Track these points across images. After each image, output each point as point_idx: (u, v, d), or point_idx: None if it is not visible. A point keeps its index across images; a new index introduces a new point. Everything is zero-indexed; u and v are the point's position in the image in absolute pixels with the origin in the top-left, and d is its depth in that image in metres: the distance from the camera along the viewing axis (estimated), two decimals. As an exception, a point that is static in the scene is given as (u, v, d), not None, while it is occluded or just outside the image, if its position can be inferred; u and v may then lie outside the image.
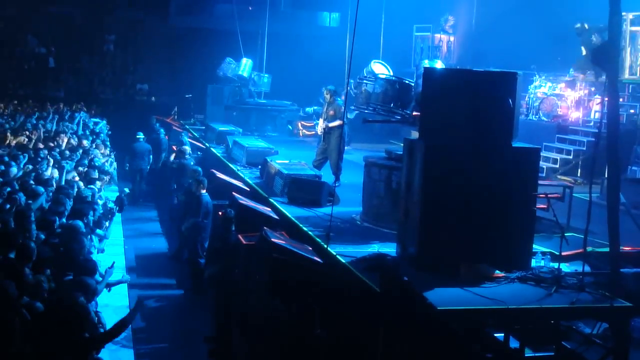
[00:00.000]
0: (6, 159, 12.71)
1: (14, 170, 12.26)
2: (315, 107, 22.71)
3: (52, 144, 15.32)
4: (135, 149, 21.56)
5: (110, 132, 22.90)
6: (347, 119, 14.70)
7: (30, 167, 12.48)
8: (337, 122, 14.52)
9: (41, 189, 10.85)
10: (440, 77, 9.48)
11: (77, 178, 12.79)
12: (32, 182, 11.45)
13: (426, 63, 12.53)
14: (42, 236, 8.72)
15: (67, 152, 14.96)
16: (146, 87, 33.10)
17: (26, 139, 15.52)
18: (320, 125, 15.39)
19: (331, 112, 14.99)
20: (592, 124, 17.35)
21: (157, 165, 21.97)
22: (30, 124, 18.81)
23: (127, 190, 14.75)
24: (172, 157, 19.03)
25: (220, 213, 12.24)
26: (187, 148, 19.19)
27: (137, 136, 21.69)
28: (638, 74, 17.32)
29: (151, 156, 21.78)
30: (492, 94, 8.74)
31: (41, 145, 15.26)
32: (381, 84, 12.12)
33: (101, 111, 27.02)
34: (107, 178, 14.46)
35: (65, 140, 16.63)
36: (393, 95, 11.80)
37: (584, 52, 18.02)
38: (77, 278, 7.42)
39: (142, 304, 8.07)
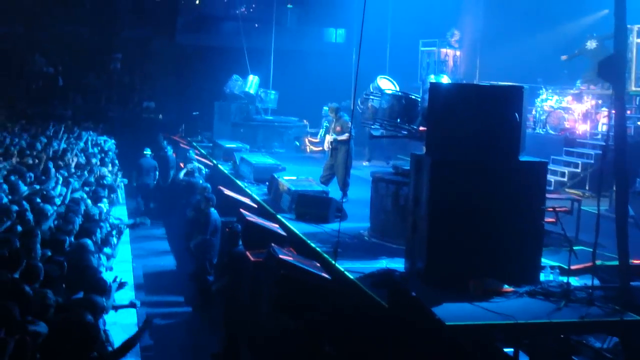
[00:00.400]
0: (12, 177, 12.70)
1: (22, 187, 12.26)
2: (324, 126, 22.73)
3: (60, 163, 15.32)
4: (141, 164, 21.56)
5: (117, 151, 22.95)
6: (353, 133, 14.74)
7: (37, 186, 12.46)
8: (345, 136, 14.53)
9: (49, 207, 10.85)
10: (446, 92, 9.49)
11: (84, 196, 12.80)
12: (39, 200, 11.45)
13: (432, 78, 12.59)
14: (49, 253, 8.68)
15: (74, 170, 14.97)
16: (153, 104, 33.16)
17: (32, 160, 15.51)
18: (327, 141, 15.42)
19: (338, 128, 15.01)
20: (599, 136, 17.31)
21: (166, 182, 21.98)
22: (39, 144, 18.84)
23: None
24: (181, 175, 18.98)
25: (227, 229, 12.22)
26: (196, 164, 19.22)
27: (144, 152, 21.77)
28: (645, 86, 17.29)
29: (157, 172, 21.77)
30: (498, 108, 8.75)
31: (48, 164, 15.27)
32: (387, 99, 12.13)
33: (109, 129, 27.06)
34: (114, 196, 14.46)
35: (74, 159, 16.67)
36: (399, 111, 11.81)
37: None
38: (85, 296, 7.40)
39: (150, 323, 8.03)
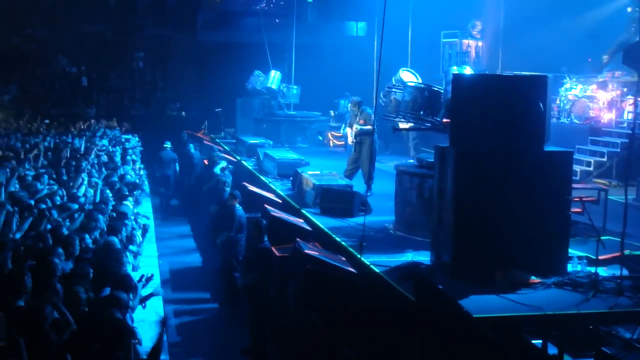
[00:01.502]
0: (29, 178, 12.74)
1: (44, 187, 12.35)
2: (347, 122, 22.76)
3: (83, 162, 15.41)
4: (162, 157, 22.67)
5: (142, 148, 23.10)
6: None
7: (55, 186, 12.53)
8: (368, 127, 14.52)
9: (75, 206, 10.94)
10: (469, 83, 9.43)
11: (109, 194, 12.88)
12: (65, 200, 11.53)
13: (455, 69, 12.52)
14: (60, 250, 8.71)
15: (97, 169, 15.06)
16: (177, 105, 33.36)
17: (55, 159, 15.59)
18: (349, 134, 15.43)
19: (361, 122, 15.00)
20: (625, 125, 17.13)
21: (190, 179, 22.09)
22: (62, 144, 18.96)
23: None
24: (217, 170, 18.78)
25: (252, 224, 12.25)
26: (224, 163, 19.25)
27: (165, 145, 22.89)
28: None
29: (177, 164, 22.86)
30: (522, 98, 8.68)
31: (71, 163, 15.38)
32: (410, 91, 12.09)
33: (132, 127, 27.23)
34: (138, 194, 14.53)
35: (97, 158, 16.78)
36: (422, 103, 11.76)
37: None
38: (111, 293, 7.46)
39: (166, 322, 8.16)
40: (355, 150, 15.10)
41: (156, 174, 22.35)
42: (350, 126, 15.63)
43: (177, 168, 22.90)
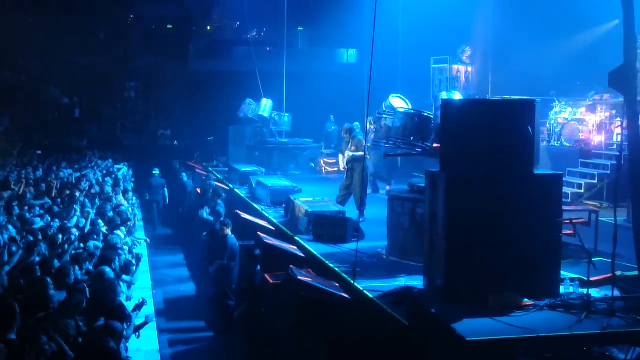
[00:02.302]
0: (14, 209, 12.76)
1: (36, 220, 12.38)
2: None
3: (75, 193, 15.44)
4: (151, 183, 23.33)
5: (134, 179, 23.19)
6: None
7: (48, 218, 12.55)
8: (360, 153, 14.61)
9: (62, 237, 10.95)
10: (458, 108, 9.51)
11: (102, 224, 12.90)
12: (55, 231, 11.54)
13: (444, 95, 12.60)
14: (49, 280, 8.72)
15: (89, 199, 15.09)
16: (169, 132, 33.44)
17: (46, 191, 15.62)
18: (341, 161, 15.51)
19: (353, 148, 15.07)
20: (615, 147, 17.25)
21: (184, 208, 22.13)
22: (53, 174, 19.02)
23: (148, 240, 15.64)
24: (204, 214, 18.74)
25: (245, 253, 12.26)
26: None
27: (154, 172, 23.60)
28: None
29: (165, 190, 23.53)
30: (511, 123, 8.75)
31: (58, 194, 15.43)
32: (400, 117, 12.16)
33: (125, 158, 27.29)
34: (131, 224, 14.55)
35: (88, 188, 16.85)
36: (413, 129, 11.82)
37: None
38: (105, 323, 7.46)
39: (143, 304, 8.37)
40: (347, 176, 15.15)
41: (145, 197, 23.08)
42: (342, 153, 15.69)
43: (166, 193, 23.44)
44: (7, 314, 6.94)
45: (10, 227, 11.50)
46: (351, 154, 15.02)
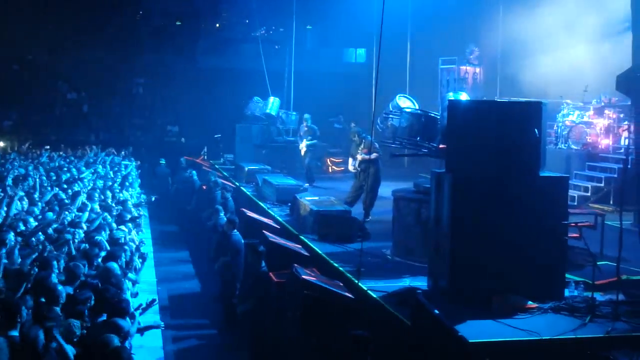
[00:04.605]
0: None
1: (49, 215, 12.39)
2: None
3: (78, 188, 15.46)
4: (157, 172, 25.29)
5: (139, 173, 23.23)
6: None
7: (50, 214, 12.56)
8: (374, 155, 14.81)
9: (68, 236, 10.94)
10: (464, 109, 9.51)
11: (109, 220, 12.91)
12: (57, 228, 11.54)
13: (451, 95, 12.59)
14: (56, 277, 8.75)
15: (97, 195, 15.12)
16: (176, 128, 33.47)
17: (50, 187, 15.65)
18: (350, 163, 15.55)
19: (365, 150, 15.09)
20: (622, 150, 17.18)
21: (191, 206, 22.11)
22: (60, 170, 19.06)
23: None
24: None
25: (250, 250, 12.26)
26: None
27: (160, 162, 25.52)
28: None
29: (170, 178, 25.03)
30: (517, 124, 8.76)
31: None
32: (407, 117, 12.17)
33: (132, 153, 27.32)
34: (138, 221, 14.56)
35: (93, 184, 16.89)
36: (419, 129, 11.83)
37: None
38: (110, 320, 7.47)
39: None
40: (359, 177, 15.20)
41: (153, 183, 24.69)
42: (352, 155, 15.73)
43: (170, 181, 24.79)
44: (11, 312, 6.95)
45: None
46: (363, 156, 15.04)
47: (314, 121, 21.73)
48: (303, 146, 20.89)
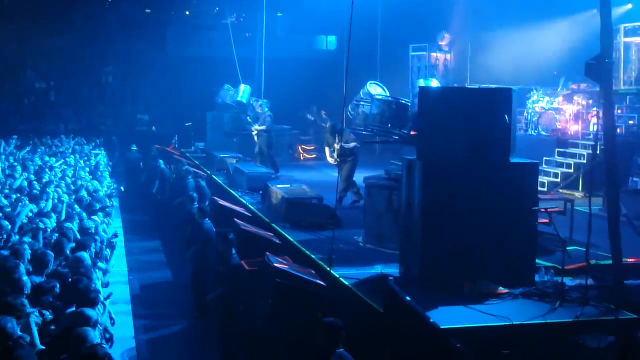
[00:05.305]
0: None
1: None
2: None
3: (48, 178, 15.31)
4: (128, 158, 25.12)
5: (111, 163, 23.04)
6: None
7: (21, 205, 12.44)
8: (352, 144, 14.93)
9: (41, 224, 10.83)
10: (435, 95, 9.54)
11: (78, 210, 12.80)
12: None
13: (421, 82, 12.61)
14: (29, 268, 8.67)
15: (65, 185, 14.98)
16: (147, 117, 33.25)
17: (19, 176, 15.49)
18: (328, 154, 15.46)
19: (344, 140, 15.04)
20: (591, 136, 17.32)
21: (163, 195, 21.97)
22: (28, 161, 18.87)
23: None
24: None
25: (221, 238, 12.20)
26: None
27: (132, 148, 25.22)
28: (633, 85, 17.31)
29: (141, 163, 24.71)
30: (487, 111, 8.78)
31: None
32: (378, 104, 12.17)
33: (102, 143, 27.12)
34: (109, 210, 14.45)
35: (62, 173, 16.73)
36: (390, 116, 11.84)
37: None
38: (80, 310, 7.40)
39: None
40: (342, 168, 15.19)
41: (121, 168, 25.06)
42: (328, 145, 15.62)
43: (142, 166, 24.58)
44: None
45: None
46: (345, 145, 15.00)
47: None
48: (255, 130, 20.56)
